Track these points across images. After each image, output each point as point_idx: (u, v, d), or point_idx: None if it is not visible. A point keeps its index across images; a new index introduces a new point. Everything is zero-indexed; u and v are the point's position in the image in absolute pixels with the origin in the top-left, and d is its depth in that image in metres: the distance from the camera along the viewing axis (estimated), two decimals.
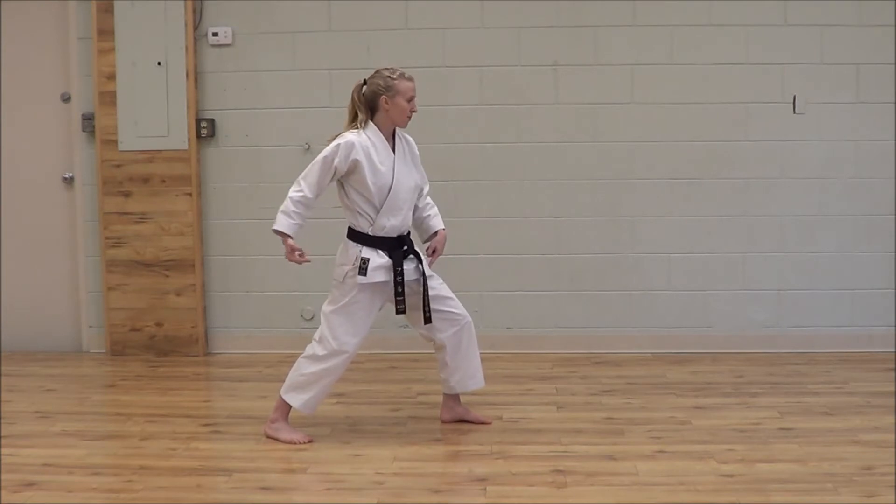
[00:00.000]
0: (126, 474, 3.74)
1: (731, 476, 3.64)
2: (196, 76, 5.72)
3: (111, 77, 5.67)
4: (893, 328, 5.69)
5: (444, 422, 4.33)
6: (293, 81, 5.75)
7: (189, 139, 5.70)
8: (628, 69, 5.67)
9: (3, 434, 4.23)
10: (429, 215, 4.26)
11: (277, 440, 4.11)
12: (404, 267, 4.06)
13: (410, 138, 4.22)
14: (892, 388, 4.84)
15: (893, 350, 5.65)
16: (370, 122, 4.06)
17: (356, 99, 4.08)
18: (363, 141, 4.00)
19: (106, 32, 5.65)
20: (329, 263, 5.78)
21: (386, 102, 4.02)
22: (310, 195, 4.01)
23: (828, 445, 3.97)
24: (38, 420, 4.50)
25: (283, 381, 4.21)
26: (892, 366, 5.34)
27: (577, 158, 5.73)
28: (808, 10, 5.59)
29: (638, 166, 5.72)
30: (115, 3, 5.63)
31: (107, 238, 5.78)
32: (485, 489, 3.56)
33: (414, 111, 4.09)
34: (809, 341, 5.72)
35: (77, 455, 3.98)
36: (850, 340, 5.71)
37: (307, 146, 5.75)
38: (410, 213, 4.15)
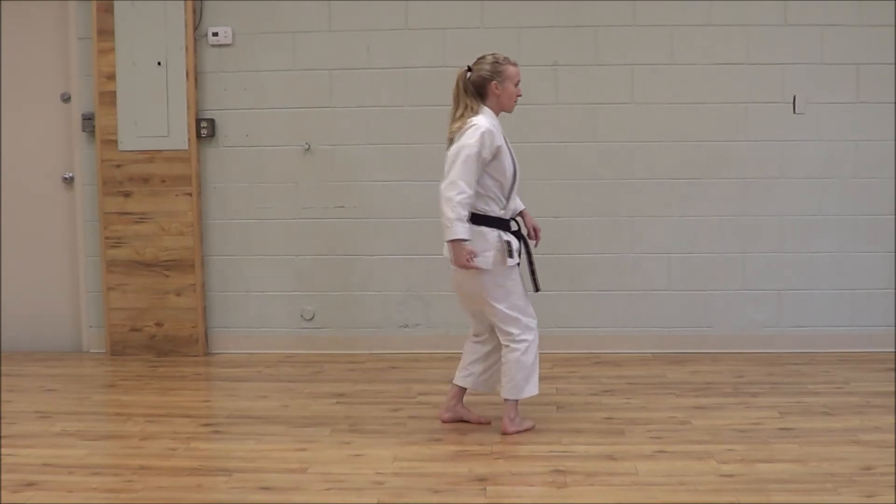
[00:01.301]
0: (126, 474, 3.74)
1: (731, 476, 3.64)
2: (196, 76, 5.72)
3: (111, 77, 5.67)
4: (893, 328, 5.69)
5: (443, 422, 4.33)
6: (293, 81, 5.75)
7: (189, 139, 5.70)
8: (628, 69, 5.67)
9: (3, 434, 4.23)
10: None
11: (522, 431, 4.17)
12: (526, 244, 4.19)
13: None
14: (892, 388, 4.85)
15: (893, 350, 5.65)
16: (487, 109, 4.06)
17: (462, 86, 4.07)
18: (495, 126, 4.02)
19: (106, 32, 5.65)
20: (329, 263, 5.83)
21: (496, 88, 4.04)
22: (472, 193, 3.94)
23: (828, 445, 3.97)
24: (38, 420, 4.50)
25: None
26: (892, 366, 5.34)
27: (577, 158, 5.73)
28: (808, 10, 5.59)
29: (638, 166, 5.72)
30: (115, 3, 5.62)
31: (107, 238, 5.78)
32: (485, 489, 3.56)
33: (520, 95, 4.13)
34: (809, 341, 5.72)
35: (77, 455, 3.98)
36: (850, 340, 5.71)
37: (307, 146, 5.75)
38: None
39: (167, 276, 5.77)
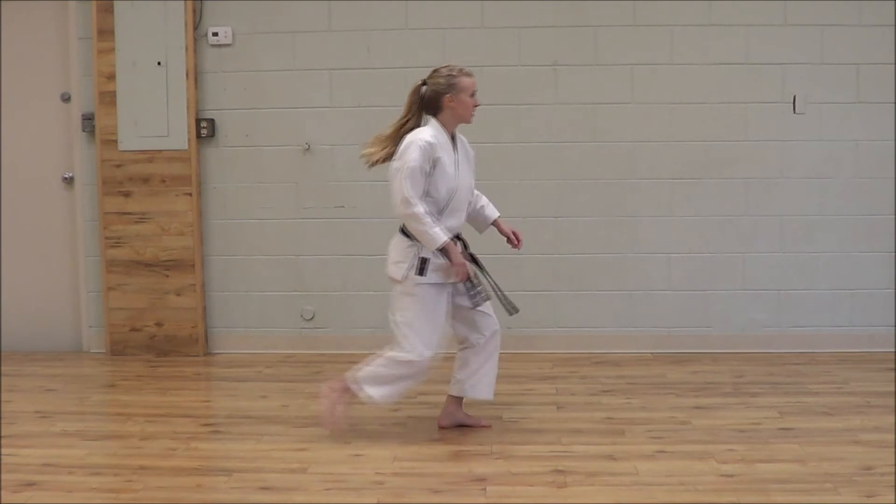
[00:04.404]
0: (126, 474, 3.74)
1: (731, 476, 3.64)
2: (196, 76, 5.72)
3: (111, 77, 5.67)
4: (893, 328, 5.69)
5: (441, 427, 4.30)
6: (293, 81, 5.75)
7: (189, 139, 5.69)
8: (628, 69, 5.67)
9: (3, 434, 4.23)
10: (482, 206, 4.27)
11: (322, 408, 4.12)
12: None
13: (464, 138, 4.20)
14: (892, 388, 4.85)
15: (893, 350, 5.65)
16: (435, 122, 4.05)
17: (414, 100, 4.06)
18: (440, 139, 3.98)
19: (106, 32, 5.65)
20: (329, 263, 5.83)
21: (451, 101, 4.01)
22: (423, 204, 3.93)
23: (828, 445, 3.97)
24: (38, 420, 4.50)
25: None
26: (892, 366, 5.34)
27: (577, 158, 5.73)
28: (808, 10, 5.59)
29: (638, 166, 5.72)
30: (115, 3, 5.62)
31: (107, 238, 5.78)
32: (485, 489, 3.56)
33: (477, 105, 4.09)
34: (809, 341, 5.72)
35: (77, 455, 3.97)
36: (850, 340, 5.71)
37: (307, 146, 5.75)
38: (465, 213, 4.15)
39: (167, 276, 5.77)
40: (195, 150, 5.73)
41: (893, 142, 5.64)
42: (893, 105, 5.61)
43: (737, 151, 5.69)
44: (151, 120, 5.68)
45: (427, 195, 3.95)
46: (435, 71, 4.09)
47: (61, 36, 5.81)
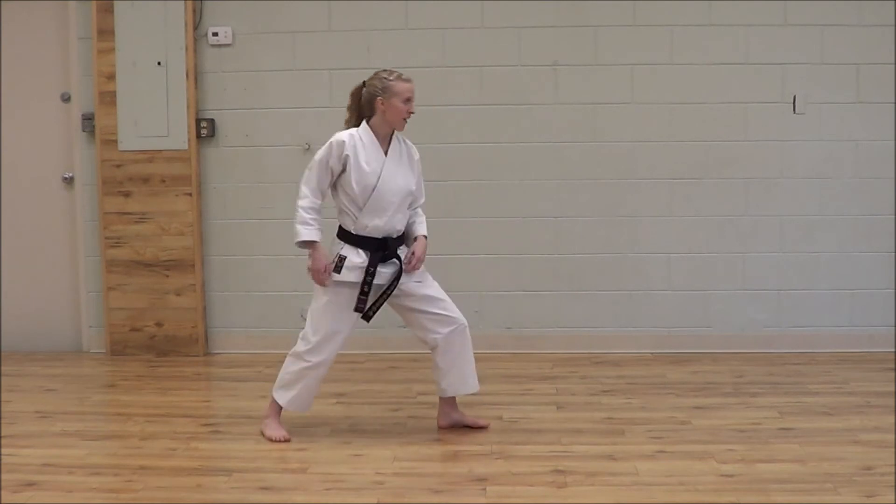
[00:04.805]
0: (126, 474, 3.74)
1: (731, 476, 3.64)
2: (196, 76, 5.72)
3: (111, 77, 5.67)
4: (893, 328, 5.69)
5: (441, 427, 4.30)
6: (293, 81, 5.75)
7: (189, 139, 5.70)
8: (628, 69, 5.67)
9: (3, 434, 4.23)
10: (414, 221, 4.22)
11: (265, 436, 4.16)
12: (379, 269, 4.05)
13: (413, 147, 4.21)
14: (892, 388, 4.85)
15: (893, 350, 5.65)
16: (364, 124, 4.08)
17: (353, 100, 4.13)
18: (354, 139, 4.03)
19: (106, 32, 5.65)
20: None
21: (382, 104, 4.02)
22: (316, 200, 4.04)
23: (828, 445, 3.97)
24: (38, 420, 4.50)
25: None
26: (892, 366, 5.34)
27: (577, 158, 5.73)
28: (808, 10, 5.59)
29: (638, 166, 5.72)
30: (115, 3, 5.62)
31: (107, 238, 5.78)
32: (485, 489, 3.56)
33: (411, 112, 4.08)
34: (809, 341, 5.72)
35: (77, 455, 3.97)
36: (850, 340, 5.71)
37: (307, 146, 5.74)
38: (399, 217, 4.10)
39: (167, 276, 5.77)
40: (195, 150, 5.73)
41: (893, 142, 5.64)
42: (893, 105, 5.61)
43: (737, 151, 5.69)
44: (151, 120, 5.68)
45: (342, 192, 4.05)
46: (375, 73, 4.11)
47: (61, 36, 5.81)
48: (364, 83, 4.10)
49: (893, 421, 4.28)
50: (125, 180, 5.74)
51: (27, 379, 5.31)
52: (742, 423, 4.30)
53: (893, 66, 5.58)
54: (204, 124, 5.73)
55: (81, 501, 3.47)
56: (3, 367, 5.51)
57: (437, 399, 4.45)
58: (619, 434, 4.18)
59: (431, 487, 3.58)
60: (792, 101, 5.65)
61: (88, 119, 5.78)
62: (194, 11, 5.67)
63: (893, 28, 5.56)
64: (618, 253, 5.77)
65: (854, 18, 5.58)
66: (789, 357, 5.59)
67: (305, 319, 4.18)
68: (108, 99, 5.69)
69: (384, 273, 4.08)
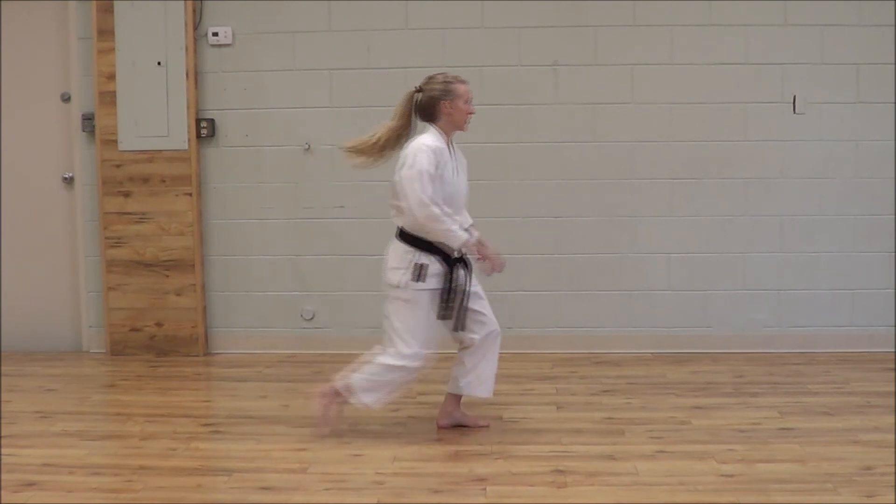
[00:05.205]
0: (126, 474, 3.74)
1: (731, 476, 3.64)
2: (196, 76, 5.72)
3: (111, 77, 5.67)
4: (893, 328, 5.69)
5: (440, 427, 4.30)
6: (293, 81, 5.75)
7: (189, 139, 5.70)
8: (628, 69, 5.67)
9: (3, 434, 4.23)
10: (469, 224, 4.23)
11: (316, 409, 4.13)
12: (456, 273, 4.06)
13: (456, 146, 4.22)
14: (892, 388, 4.85)
15: (893, 350, 5.65)
16: (433, 129, 4.07)
17: (408, 107, 4.08)
18: (442, 145, 4.01)
19: (106, 32, 5.65)
20: (329, 263, 5.83)
21: (448, 106, 4.03)
22: (439, 207, 3.95)
23: (828, 445, 3.98)
24: (38, 420, 4.50)
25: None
26: (892, 366, 5.34)
27: (577, 158, 5.73)
28: (808, 10, 5.59)
29: (638, 166, 5.72)
30: (115, 3, 5.62)
31: (107, 238, 5.78)
32: (485, 489, 3.56)
33: (472, 113, 4.10)
34: (809, 341, 5.73)
35: (77, 455, 3.98)
36: (850, 340, 5.71)
37: (307, 146, 5.75)
38: (463, 218, 4.15)
39: (167, 276, 5.77)
40: (195, 150, 5.73)
41: (893, 142, 5.64)
42: (893, 105, 5.61)
43: (737, 151, 5.69)
44: (151, 120, 5.68)
45: None
46: (430, 78, 4.10)
47: (61, 36, 5.81)
48: (418, 88, 4.08)
49: (893, 421, 4.28)
50: (125, 180, 5.74)
51: (27, 379, 5.31)
52: (742, 423, 4.30)
53: (893, 66, 5.58)
54: (204, 124, 5.73)
55: (81, 501, 3.47)
56: (3, 367, 5.51)
57: (437, 399, 4.45)
58: (619, 434, 4.18)
59: (431, 487, 3.58)
60: (792, 101, 5.65)
61: (88, 119, 5.78)
62: (194, 11, 5.67)
63: (893, 28, 5.56)
64: (618, 253, 5.77)
65: (854, 18, 5.58)
66: (789, 357, 5.59)
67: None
68: (108, 99, 5.69)
69: (459, 276, 4.08)
